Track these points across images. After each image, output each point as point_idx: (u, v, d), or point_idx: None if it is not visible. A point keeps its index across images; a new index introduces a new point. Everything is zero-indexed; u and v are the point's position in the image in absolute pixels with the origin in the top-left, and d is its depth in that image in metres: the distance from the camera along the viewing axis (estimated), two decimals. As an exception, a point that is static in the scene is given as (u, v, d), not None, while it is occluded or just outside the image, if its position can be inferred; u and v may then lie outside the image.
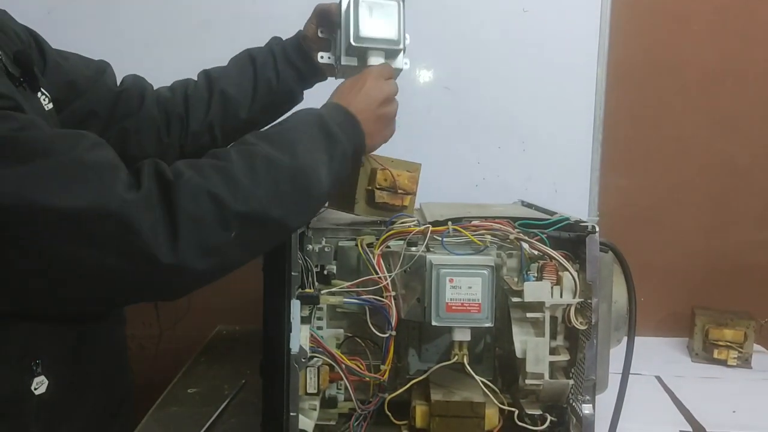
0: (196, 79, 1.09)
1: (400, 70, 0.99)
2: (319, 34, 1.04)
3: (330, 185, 0.78)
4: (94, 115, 0.97)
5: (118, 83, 1.04)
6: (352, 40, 0.94)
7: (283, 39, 1.08)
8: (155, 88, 1.08)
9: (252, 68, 1.05)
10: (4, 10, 0.87)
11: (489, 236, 0.90)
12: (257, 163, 0.72)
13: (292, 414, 0.84)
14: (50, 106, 0.85)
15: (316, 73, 1.07)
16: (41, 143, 0.65)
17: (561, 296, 0.86)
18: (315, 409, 0.89)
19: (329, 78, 1.09)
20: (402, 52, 0.97)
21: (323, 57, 1.03)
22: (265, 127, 0.83)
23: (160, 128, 1.03)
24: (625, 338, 0.92)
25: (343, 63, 0.98)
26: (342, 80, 0.95)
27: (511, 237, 0.89)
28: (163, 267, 0.65)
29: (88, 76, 0.97)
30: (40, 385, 0.76)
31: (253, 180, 0.71)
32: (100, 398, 0.89)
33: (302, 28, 1.06)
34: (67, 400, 0.82)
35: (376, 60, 0.95)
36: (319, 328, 0.93)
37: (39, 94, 0.83)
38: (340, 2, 0.97)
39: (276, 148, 0.74)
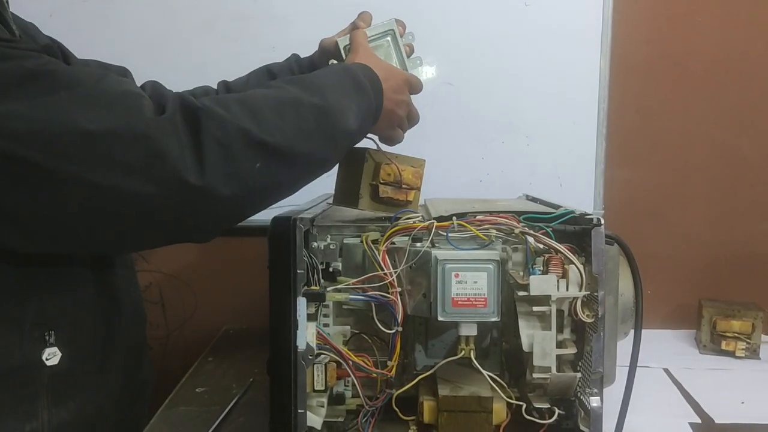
0: (215, 87, 1.11)
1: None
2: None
3: (357, 128, 0.81)
4: None
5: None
6: None
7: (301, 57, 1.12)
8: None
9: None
10: (32, 23, 0.90)
11: (494, 231, 0.89)
12: (284, 101, 0.75)
13: (300, 411, 0.84)
14: None
15: None
16: (68, 76, 0.67)
17: (567, 289, 0.86)
18: (323, 406, 0.89)
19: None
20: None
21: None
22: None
23: None
24: (632, 331, 0.92)
25: None
26: None
27: (516, 231, 0.88)
28: (190, 188, 0.66)
29: None
30: (52, 356, 0.77)
31: (278, 114, 0.73)
32: (118, 381, 0.90)
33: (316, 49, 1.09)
34: (83, 375, 0.82)
35: None
36: (326, 325, 0.93)
37: None
38: (338, 45, 1.01)
39: (304, 90, 0.77)
